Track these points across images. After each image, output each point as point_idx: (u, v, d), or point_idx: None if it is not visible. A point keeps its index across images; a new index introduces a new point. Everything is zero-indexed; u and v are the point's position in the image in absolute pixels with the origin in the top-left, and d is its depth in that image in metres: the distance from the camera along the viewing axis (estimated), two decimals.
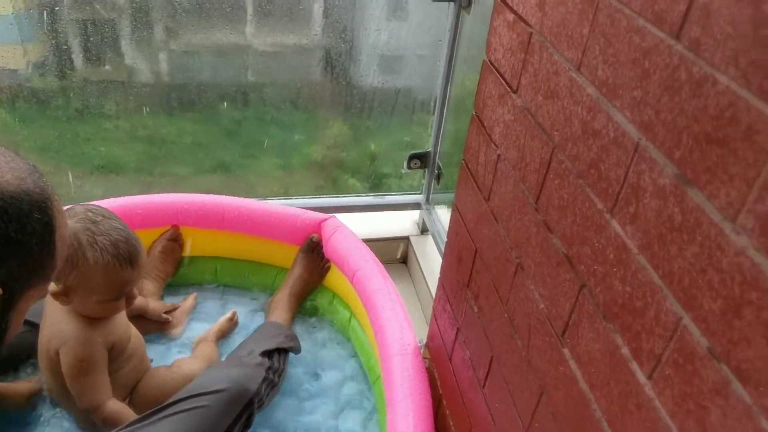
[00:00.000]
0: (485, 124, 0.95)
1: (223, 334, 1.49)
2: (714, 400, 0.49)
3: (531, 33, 0.79)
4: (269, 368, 1.25)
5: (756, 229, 0.44)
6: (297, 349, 1.40)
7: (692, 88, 0.50)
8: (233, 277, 1.67)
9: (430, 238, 1.78)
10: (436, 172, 1.71)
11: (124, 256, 1.10)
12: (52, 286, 1.08)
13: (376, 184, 2.16)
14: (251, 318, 1.61)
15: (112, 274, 1.09)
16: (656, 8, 0.55)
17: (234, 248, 1.65)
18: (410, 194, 1.84)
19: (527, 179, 0.81)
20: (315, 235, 1.57)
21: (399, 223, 1.85)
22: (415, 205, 1.83)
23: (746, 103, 0.45)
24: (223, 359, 1.33)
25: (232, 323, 1.51)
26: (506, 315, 0.89)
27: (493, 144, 0.92)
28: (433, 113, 1.65)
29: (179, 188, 2.22)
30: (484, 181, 0.96)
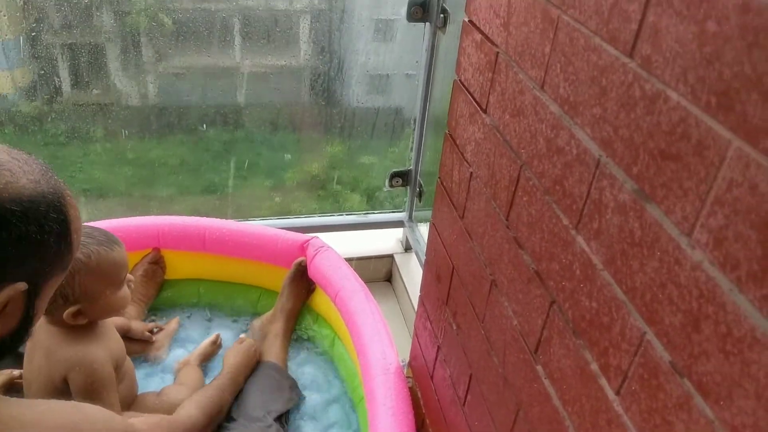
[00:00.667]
0: (458, 142, 0.96)
1: (206, 358, 1.47)
2: (678, 415, 0.49)
3: (497, 53, 0.80)
4: None
5: (710, 243, 0.45)
6: (297, 400, 1.40)
7: (646, 105, 0.51)
8: (217, 298, 1.66)
9: (413, 256, 1.78)
10: (418, 189, 1.71)
11: (106, 240, 1.13)
12: (67, 314, 1.09)
13: (367, 200, 2.16)
14: (235, 339, 1.59)
15: (109, 260, 1.12)
16: (610, 27, 0.56)
17: (216, 270, 1.64)
18: (394, 212, 1.84)
19: (498, 196, 0.82)
20: (302, 260, 1.56)
21: (383, 242, 1.85)
22: (399, 223, 1.83)
23: (695, 119, 0.46)
24: (237, 416, 1.27)
25: (216, 346, 1.50)
26: (483, 332, 0.88)
27: (465, 162, 0.93)
28: (413, 131, 1.66)
29: (168, 210, 2.21)
30: (459, 199, 0.96)
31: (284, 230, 1.62)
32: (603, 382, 0.59)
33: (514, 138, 0.76)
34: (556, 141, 0.66)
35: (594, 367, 0.60)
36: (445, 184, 1.03)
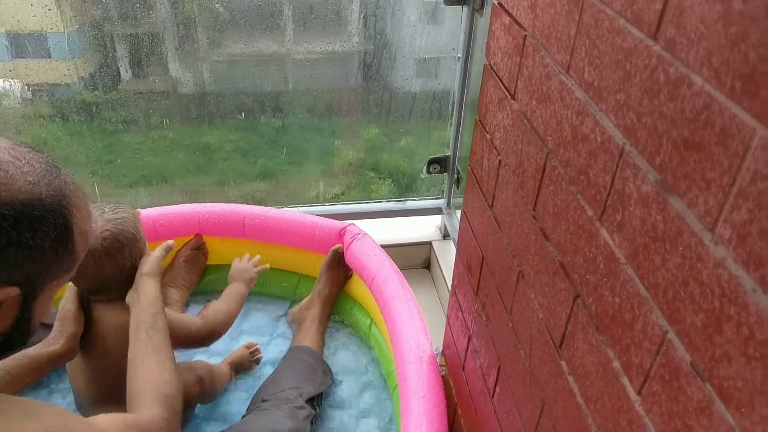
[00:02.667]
0: (487, 129, 0.93)
1: (241, 365, 1.47)
2: (699, 420, 0.46)
3: (525, 36, 0.77)
4: (313, 417, 1.27)
5: (733, 239, 0.42)
6: (330, 384, 1.41)
7: (670, 91, 0.48)
8: (257, 283, 1.69)
9: (451, 243, 1.76)
10: (456, 176, 1.69)
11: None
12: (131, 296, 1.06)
13: (410, 185, 2.15)
14: (274, 325, 1.62)
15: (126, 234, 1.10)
16: (635, 8, 0.52)
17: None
18: (432, 199, 1.82)
19: (525, 185, 0.79)
20: (338, 247, 1.57)
21: (421, 229, 1.84)
22: (437, 210, 1.81)
23: (719, 105, 0.42)
24: (269, 397, 1.27)
25: (249, 356, 1.48)
26: (510, 324, 0.86)
27: (494, 149, 0.90)
28: (451, 117, 1.63)
29: (222, 195, 2.26)
30: (488, 188, 0.94)
31: (322, 217, 1.63)
32: (625, 381, 0.56)
33: (541, 125, 0.73)
34: (581, 128, 0.63)
35: (616, 365, 0.58)
36: (475, 172, 1.01)
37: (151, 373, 0.94)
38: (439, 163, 1.70)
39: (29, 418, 0.69)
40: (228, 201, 1.71)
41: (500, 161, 0.88)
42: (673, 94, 0.48)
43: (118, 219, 1.10)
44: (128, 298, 1.07)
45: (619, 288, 0.57)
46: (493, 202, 0.92)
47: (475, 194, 1.01)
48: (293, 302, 1.67)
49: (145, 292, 1.05)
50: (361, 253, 1.52)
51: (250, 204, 1.68)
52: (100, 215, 1.09)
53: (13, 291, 0.67)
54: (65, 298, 1.15)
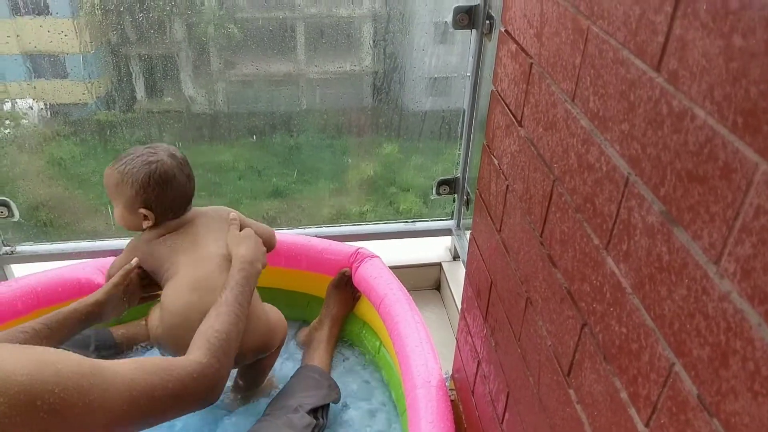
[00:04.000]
0: (495, 154, 0.94)
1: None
2: None
3: (531, 63, 0.78)
4: (315, 427, 1.25)
5: (738, 273, 0.42)
6: (337, 400, 1.40)
7: (673, 123, 0.48)
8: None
9: (461, 265, 1.75)
10: (465, 197, 1.69)
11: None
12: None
13: (423, 201, 2.15)
14: (284, 346, 1.62)
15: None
16: (638, 39, 0.53)
17: (266, 278, 1.67)
18: (442, 220, 1.82)
19: (533, 211, 0.79)
20: (346, 270, 1.57)
21: (431, 250, 1.84)
22: (447, 231, 1.81)
23: (722, 139, 0.42)
24: (271, 410, 1.28)
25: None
26: (519, 351, 0.86)
27: (502, 174, 0.91)
28: (460, 139, 1.64)
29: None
30: (496, 212, 0.94)
31: (332, 240, 1.63)
32: (632, 412, 0.56)
33: (547, 152, 0.74)
34: (587, 157, 0.63)
35: (624, 395, 0.57)
36: (483, 196, 1.01)
37: (205, 323, 1.02)
38: (449, 185, 1.70)
39: (23, 350, 0.71)
40: None
41: (508, 186, 0.88)
42: (676, 126, 0.48)
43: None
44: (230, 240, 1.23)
45: (625, 318, 0.57)
46: (501, 227, 0.92)
47: (483, 218, 1.01)
48: (303, 324, 1.67)
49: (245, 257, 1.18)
50: (369, 275, 1.52)
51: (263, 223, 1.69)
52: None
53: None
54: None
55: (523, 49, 0.80)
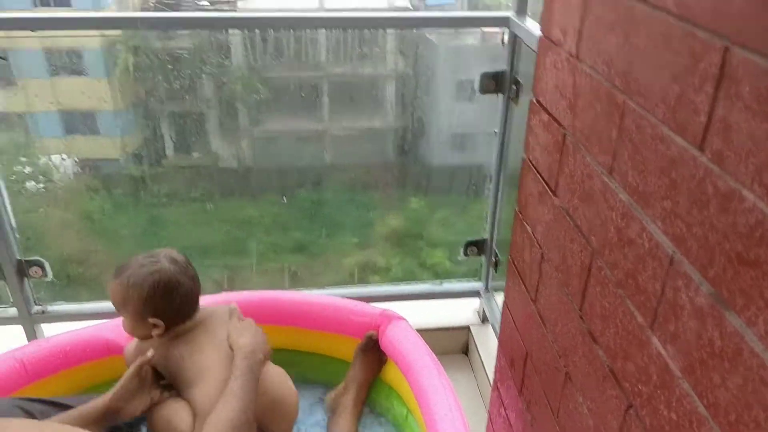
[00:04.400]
0: (527, 221, 0.93)
1: None
2: None
3: (565, 134, 0.78)
4: None
5: None
6: None
7: (720, 203, 0.47)
8: (292, 368, 1.67)
9: (490, 329, 1.72)
10: (494, 259, 1.67)
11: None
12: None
13: (449, 257, 2.13)
14: (310, 412, 1.58)
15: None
16: (678, 117, 0.52)
17: (292, 341, 1.66)
18: (469, 281, 1.80)
19: (570, 283, 0.77)
20: (372, 333, 1.55)
21: (459, 313, 1.81)
22: (475, 293, 1.78)
23: None
24: None
25: None
26: (557, 428, 0.82)
27: (536, 243, 0.89)
28: (488, 200, 1.64)
29: (260, 266, 2.26)
30: (531, 281, 0.92)
31: (358, 301, 1.61)
32: None
33: (585, 223, 0.73)
34: (627, 231, 0.62)
35: None
36: (516, 263, 0.99)
37: (214, 414, 1.07)
38: (477, 246, 1.69)
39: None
40: (264, 274, 1.73)
41: (542, 255, 0.87)
42: (723, 207, 0.47)
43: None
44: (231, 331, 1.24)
45: (675, 403, 0.54)
46: (536, 297, 0.90)
47: (516, 286, 0.99)
48: (330, 388, 1.64)
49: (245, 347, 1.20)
50: (396, 339, 1.49)
51: (286, 277, 1.69)
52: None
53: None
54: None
55: (555, 120, 0.81)
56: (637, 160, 0.60)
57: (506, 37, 1.41)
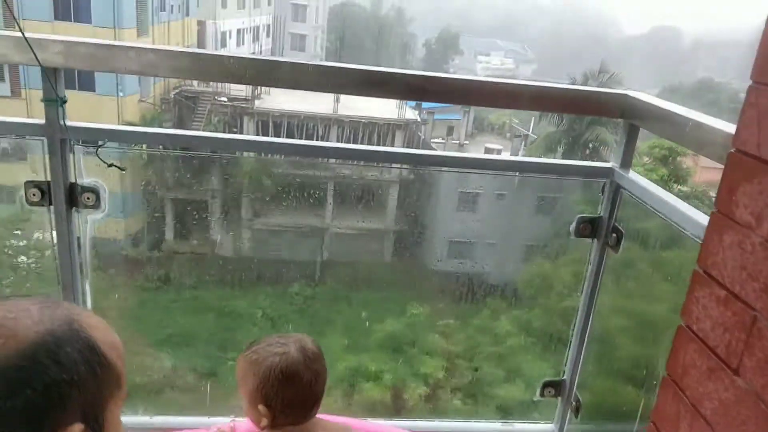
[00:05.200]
0: (687, 393, 0.91)
1: None
2: None
3: (756, 317, 0.78)
4: None
5: None
6: None
7: None
8: None
9: None
10: (574, 403, 1.62)
11: None
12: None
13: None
14: None
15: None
16: None
17: None
18: (538, 423, 1.73)
19: None
20: None
21: None
22: None
23: None
24: None
25: None
26: None
27: (702, 419, 0.86)
28: (570, 343, 1.61)
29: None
30: None
31: None
32: None
33: None
34: None
35: None
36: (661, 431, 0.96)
37: None
38: (554, 387, 1.64)
39: None
40: None
41: None
42: None
43: None
44: None
45: None
46: None
47: None
48: None
49: None
50: None
51: None
52: None
53: (78, 427, 0.66)
54: None
55: (740, 299, 0.81)
56: None
57: (607, 187, 1.45)
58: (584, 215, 1.49)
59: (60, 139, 1.24)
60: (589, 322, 1.58)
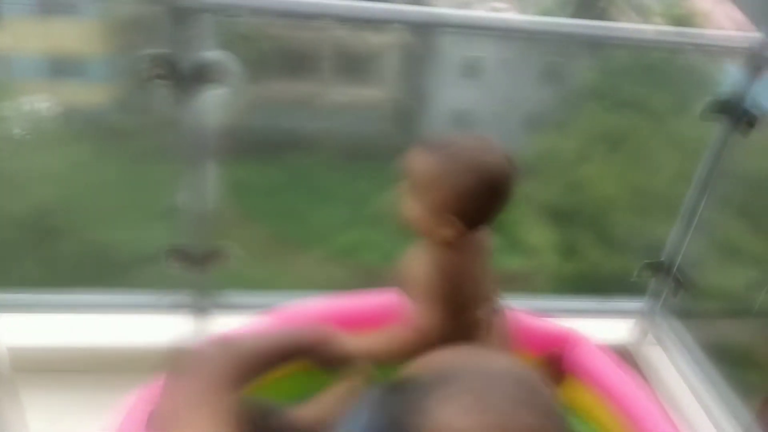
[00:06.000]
0: None
1: None
2: None
3: None
4: None
5: None
6: None
7: None
8: None
9: (661, 352, 1.68)
10: (677, 281, 1.63)
11: None
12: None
13: None
14: None
15: None
16: None
17: None
18: (623, 301, 1.76)
19: None
20: (554, 353, 1.48)
21: (613, 331, 1.76)
22: (636, 313, 1.74)
23: None
24: None
25: None
26: None
27: None
28: (680, 216, 1.60)
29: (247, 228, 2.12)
30: None
31: (536, 317, 1.54)
32: None
33: None
34: None
35: None
36: None
37: None
38: (654, 269, 1.65)
39: None
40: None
41: None
42: None
43: None
44: None
45: None
46: None
47: None
48: None
49: None
50: (592, 362, 1.43)
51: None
52: None
53: None
54: None
55: None
56: None
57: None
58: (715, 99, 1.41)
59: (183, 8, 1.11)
60: (702, 204, 1.55)
